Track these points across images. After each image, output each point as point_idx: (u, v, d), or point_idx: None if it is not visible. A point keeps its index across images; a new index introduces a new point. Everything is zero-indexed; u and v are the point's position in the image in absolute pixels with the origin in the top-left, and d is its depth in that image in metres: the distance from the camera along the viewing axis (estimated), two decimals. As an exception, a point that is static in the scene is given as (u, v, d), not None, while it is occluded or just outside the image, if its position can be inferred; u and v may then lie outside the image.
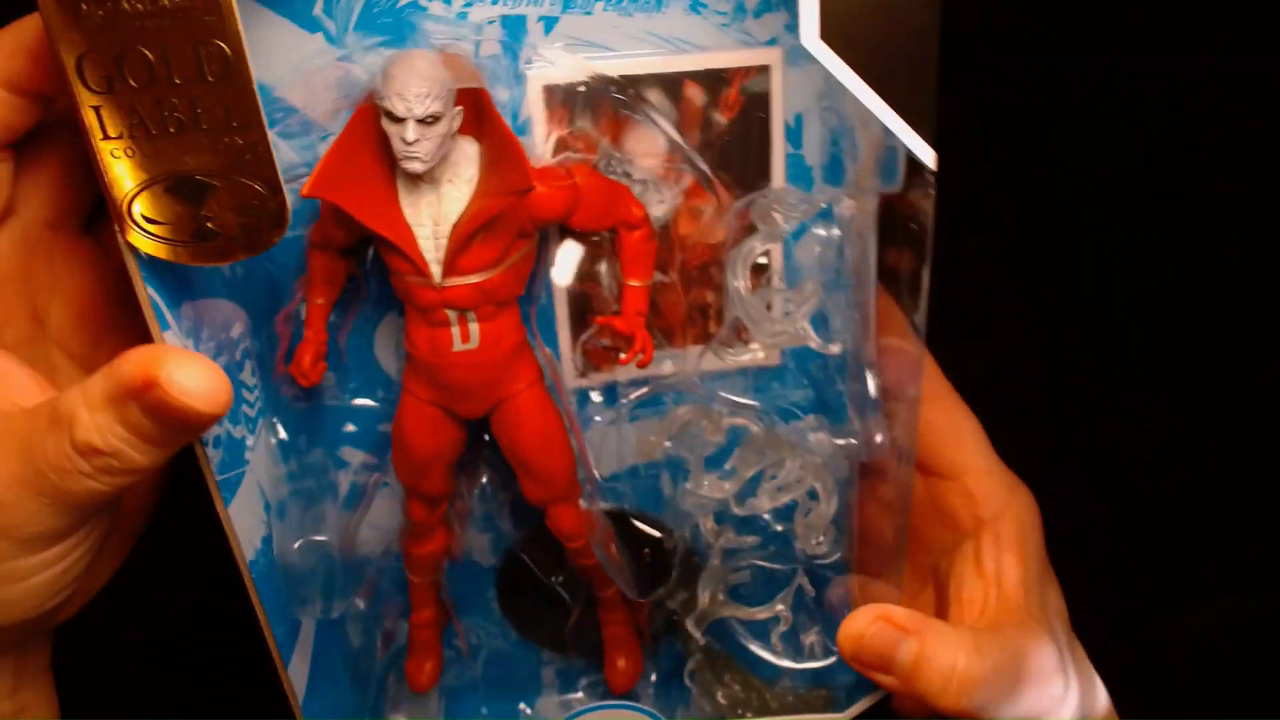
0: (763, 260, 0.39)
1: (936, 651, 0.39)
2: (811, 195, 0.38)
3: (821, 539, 0.43)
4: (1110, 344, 0.58)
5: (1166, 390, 0.59)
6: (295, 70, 0.37)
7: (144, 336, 0.36)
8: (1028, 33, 0.52)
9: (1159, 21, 0.51)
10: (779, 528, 0.44)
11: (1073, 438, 0.60)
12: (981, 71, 0.46)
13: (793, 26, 0.37)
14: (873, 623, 0.40)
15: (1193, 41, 0.52)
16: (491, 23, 0.37)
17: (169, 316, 0.35)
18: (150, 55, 0.30)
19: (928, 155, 0.32)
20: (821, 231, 0.39)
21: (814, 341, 0.38)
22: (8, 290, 0.35)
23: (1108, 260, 0.57)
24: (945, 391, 0.44)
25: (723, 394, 0.41)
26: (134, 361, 0.31)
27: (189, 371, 0.31)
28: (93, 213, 0.39)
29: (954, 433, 0.44)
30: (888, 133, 0.32)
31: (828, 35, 0.31)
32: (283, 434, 0.42)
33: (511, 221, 0.37)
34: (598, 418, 0.44)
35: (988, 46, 0.49)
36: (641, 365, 0.40)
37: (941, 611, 0.44)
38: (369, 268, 0.42)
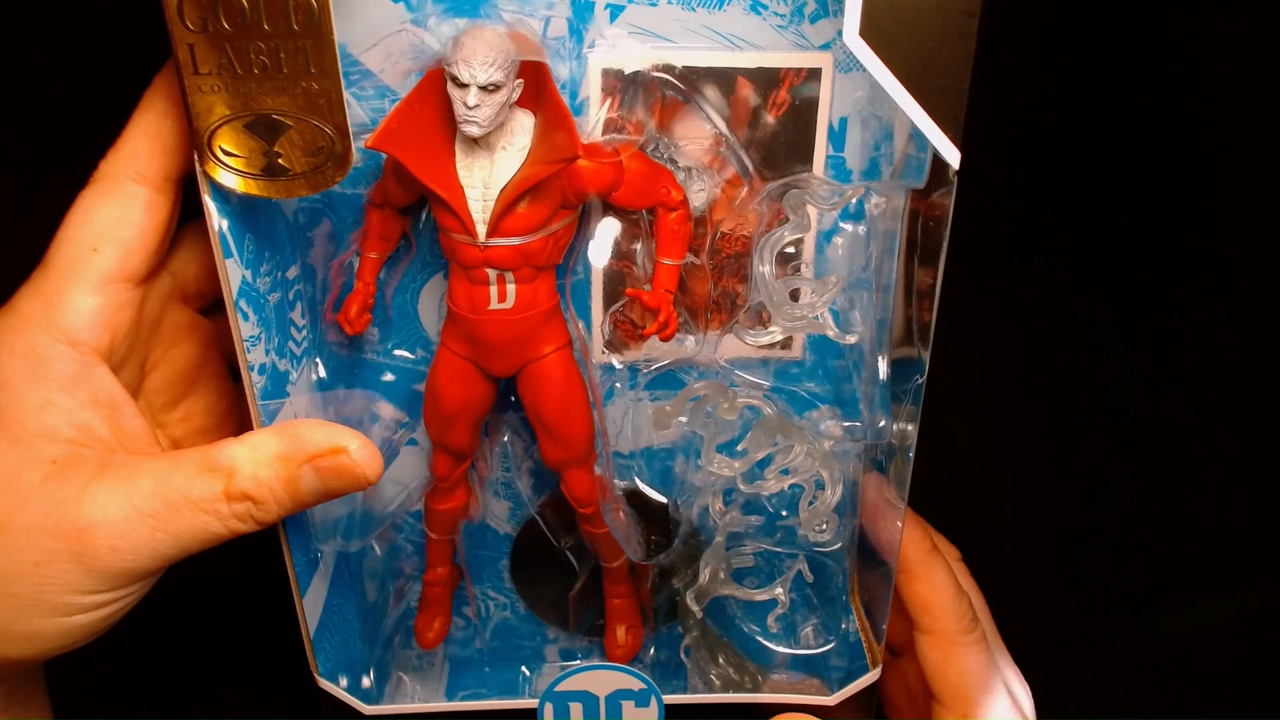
0: (790, 250, 0.40)
1: None
2: (843, 187, 0.40)
3: (824, 526, 0.44)
4: (1108, 347, 0.59)
5: (1165, 394, 0.59)
6: (373, 35, 0.40)
7: (212, 408, 0.43)
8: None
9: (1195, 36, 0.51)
10: (784, 513, 0.45)
11: (1069, 441, 0.60)
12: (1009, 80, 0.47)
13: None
14: None
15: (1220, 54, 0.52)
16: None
17: (232, 245, 0.37)
18: (244, 2, 0.33)
19: (953, 156, 0.34)
20: (849, 227, 0.40)
21: (831, 331, 0.39)
22: (138, 335, 0.39)
23: (1105, 260, 0.57)
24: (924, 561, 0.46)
25: (739, 373, 0.42)
26: (322, 433, 0.37)
27: (365, 448, 0.38)
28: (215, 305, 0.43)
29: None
30: (917, 132, 0.34)
31: (868, 33, 0.32)
32: (322, 372, 0.44)
33: (555, 191, 0.39)
34: (618, 395, 0.46)
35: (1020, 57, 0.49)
36: (664, 339, 0.42)
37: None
38: (421, 229, 0.44)
